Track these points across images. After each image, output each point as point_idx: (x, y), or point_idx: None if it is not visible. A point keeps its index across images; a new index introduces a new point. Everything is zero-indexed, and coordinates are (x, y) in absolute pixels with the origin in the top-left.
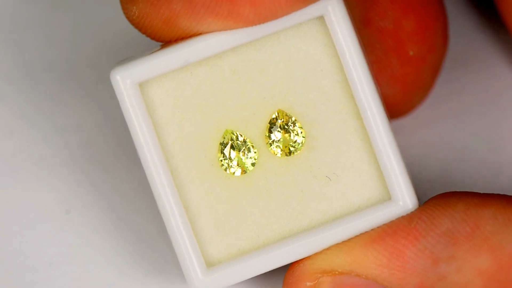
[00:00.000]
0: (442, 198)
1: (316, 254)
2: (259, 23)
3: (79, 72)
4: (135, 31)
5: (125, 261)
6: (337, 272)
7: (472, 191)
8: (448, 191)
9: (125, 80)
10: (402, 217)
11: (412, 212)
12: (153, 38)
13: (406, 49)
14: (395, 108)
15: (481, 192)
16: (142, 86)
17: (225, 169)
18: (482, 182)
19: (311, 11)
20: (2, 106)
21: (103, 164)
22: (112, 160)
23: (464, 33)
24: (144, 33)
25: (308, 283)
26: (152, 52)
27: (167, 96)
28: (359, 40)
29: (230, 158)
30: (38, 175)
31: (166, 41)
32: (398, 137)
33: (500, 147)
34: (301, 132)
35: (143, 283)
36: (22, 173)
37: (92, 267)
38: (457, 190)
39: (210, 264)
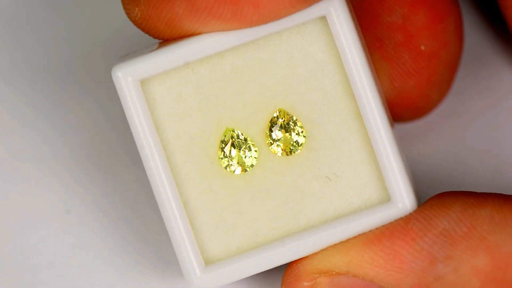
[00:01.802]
0: (439, 198)
1: (314, 254)
2: (262, 24)
3: (78, 72)
4: (135, 31)
5: (125, 261)
6: (334, 273)
7: (470, 190)
8: (446, 191)
9: (127, 77)
10: (400, 218)
11: (409, 213)
12: (156, 37)
13: (417, 43)
14: (415, 104)
15: (480, 191)
16: (143, 83)
17: (225, 167)
18: (482, 182)
19: (313, 11)
20: (1, 106)
21: (103, 164)
22: (112, 160)
23: (465, 32)
24: (146, 33)
25: (305, 283)
26: (153, 50)
27: (168, 93)
28: (362, 40)
29: (230, 157)
30: (38, 175)
31: (169, 40)
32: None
33: (500, 147)
34: (302, 132)
35: (143, 283)
36: (22, 173)
37: (92, 267)
38: (455, 190)
39: (208, 262)
